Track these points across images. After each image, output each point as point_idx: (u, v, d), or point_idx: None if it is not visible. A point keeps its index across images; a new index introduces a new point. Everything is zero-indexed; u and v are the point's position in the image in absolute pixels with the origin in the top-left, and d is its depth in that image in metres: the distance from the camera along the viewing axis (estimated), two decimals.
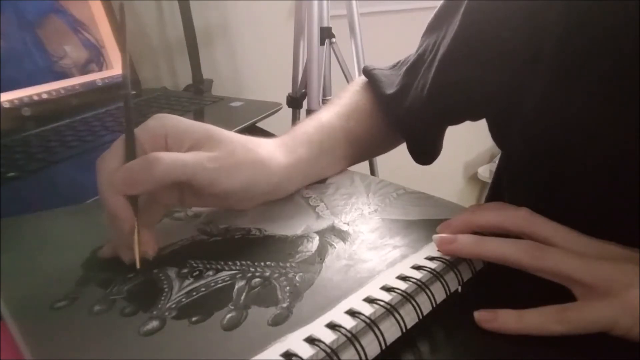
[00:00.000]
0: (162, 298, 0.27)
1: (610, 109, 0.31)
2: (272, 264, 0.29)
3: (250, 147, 0.34)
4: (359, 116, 0.46)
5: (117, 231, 0.29)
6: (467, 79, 0.40)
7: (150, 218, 0.32)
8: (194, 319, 0.25)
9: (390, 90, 0.47)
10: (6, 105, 0.65)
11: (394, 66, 0.51)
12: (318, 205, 0.37)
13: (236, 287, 0.27)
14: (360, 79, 0.52)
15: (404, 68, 0.48)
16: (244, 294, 0.27)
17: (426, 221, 0.34)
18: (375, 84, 0.48)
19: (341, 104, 0.47)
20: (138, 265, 0.29)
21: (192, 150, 0.31)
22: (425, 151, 0.49)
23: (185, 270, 0.29)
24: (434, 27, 0.45)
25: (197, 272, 0.29)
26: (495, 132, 0.44)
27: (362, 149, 0.46)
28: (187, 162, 0.30)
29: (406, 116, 0.45)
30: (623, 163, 0.32)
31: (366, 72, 0.50)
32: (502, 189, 0.48)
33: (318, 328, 0.23)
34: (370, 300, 0.25)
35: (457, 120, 0.46)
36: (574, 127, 0.33)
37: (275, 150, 0.37)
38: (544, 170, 0.37)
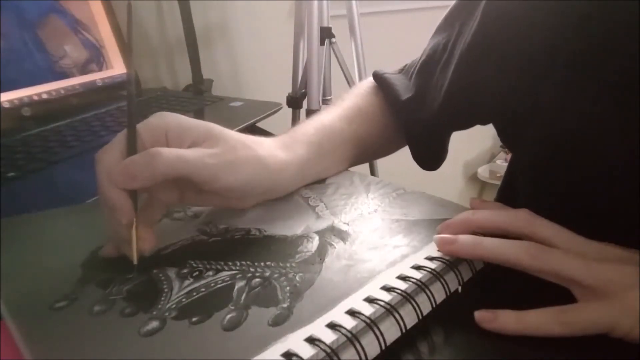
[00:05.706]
0: (162, 298, 0.26)
1: (623, 110, 0.31)
2: (272, 264, 0.29)
3: (250, 145, 0.34)
4: (363, 120, 0.46)
5: (115, 225, 0.29)
6: (486, 78, 0.39)
7: (151, 217, 0.32)
8: (194, 319, 0.25)
9: (404, 95, 0.47)
10: (6, 105, 0.65)
11: (400, 70, 0.51)
12: (318, 205, 0.37)
13: (236, 287, 0.27)
14: (365, 83, 0.52)
15: (413, 71, 0.47)
16: (244, 294, 0.27)
17: (426, 221, 0.34)
18: (388, 89, 0.48)
19: (344, 106, 0.47)
20: (135, 261, 0.29)
21: (192, 147, 0.32)
22: (433, 157, 0.50)
23: (185, 271, 0.29)
24: (443, 28, 0.45)
25: (197, 273, 0.29)
26: (507, 135, 0.43)
27: (363, 152, 0.46)
28: (188, 157, 0.30)
29: (420, 122, 0.45)
30: (634, 164, 0.31)
31: (377, 77, 0.50)
32: (515, 191, 0.47)
33: (318, 328, 0.23)
34: (370, 300, 0.25)
35: (469, 124, 0.46)
36: (589, 127, 0.33)
37: (274, 149, 0.37)
38: (563, 170, 0.37)
